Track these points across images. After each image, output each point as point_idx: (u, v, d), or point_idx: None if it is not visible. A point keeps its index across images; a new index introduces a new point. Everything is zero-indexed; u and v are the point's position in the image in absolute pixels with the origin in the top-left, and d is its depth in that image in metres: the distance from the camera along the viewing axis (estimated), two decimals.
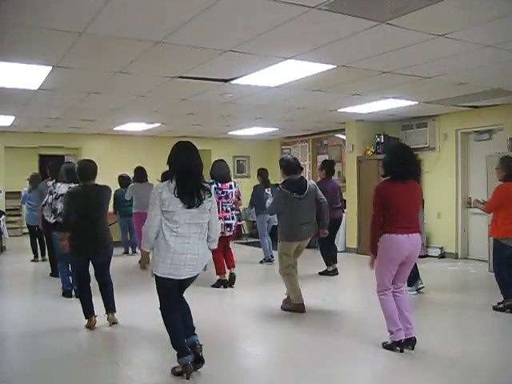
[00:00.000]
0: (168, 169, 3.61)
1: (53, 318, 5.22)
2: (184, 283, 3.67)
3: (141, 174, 8.65)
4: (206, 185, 3.66)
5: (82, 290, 4.82)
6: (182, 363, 3.57)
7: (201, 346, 3.68)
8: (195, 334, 3.73)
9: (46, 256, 8.62)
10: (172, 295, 3.65)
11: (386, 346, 4.14)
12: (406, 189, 4.07)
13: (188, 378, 3.53)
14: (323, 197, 5.60)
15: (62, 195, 5.67)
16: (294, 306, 5.43)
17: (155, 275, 3.57)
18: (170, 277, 3.51)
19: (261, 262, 8.77)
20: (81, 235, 4.66)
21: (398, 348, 4.07)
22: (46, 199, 5.97)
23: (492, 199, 5.47)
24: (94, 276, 4.87)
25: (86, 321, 4.76)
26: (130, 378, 3.72)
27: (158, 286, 3.63)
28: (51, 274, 7.33)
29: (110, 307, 4.81)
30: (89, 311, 4.77)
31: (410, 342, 4.08)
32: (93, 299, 4.80)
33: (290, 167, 5.43)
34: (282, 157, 5.79)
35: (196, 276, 3.68)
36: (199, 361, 3.64)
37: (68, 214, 4.71)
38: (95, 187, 4.82)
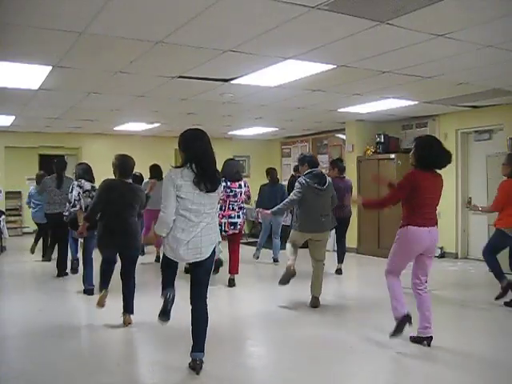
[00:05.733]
0: (183, 155, 3.56)
1: (53, 318, 5.22)
2: (195, 270, 3.65)
3: (157, 171, 8.69)
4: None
5: (107, 267, 5.00)
6: (163, 294, 3.70)
7: (202, 362, 3.59)
8: (201, 352, 3.60)
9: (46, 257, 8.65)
10: (172, 267, 3.75)
11: (414, 340, 4.21)
12: (434, 180, 4.14)
13: (165, 311, 3.67)
14: (335, 194, 5.82)
15: (87, 191, 6.15)
16: (285, 271, 5.52)
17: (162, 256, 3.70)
18: (176, 259, 3.61)
19: (257, 257, 8.85)
20: (111, 229, 4.82)
21: (407, 323, 4.10)
22: (71, 197, 6.20)
23: (498, 196, 5.53)
24: (120, 274, 4.93)
25: (98, 297, 4.89)
26: (130, 379, 3.72)
27: (162, 264, 3.79)
28: (58, 275, 7.29)
29: (128, 309, 4.86)
30: (105, 284, 4.93)
31: (427, 340, 4.17)
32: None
33: (314, 161, 5.75)
34: (302, 154, 6.09)
35: (207, 263, 3.62)
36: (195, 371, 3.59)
37: (96, 204, 4.98)
38: (129, 185, 5.03)
